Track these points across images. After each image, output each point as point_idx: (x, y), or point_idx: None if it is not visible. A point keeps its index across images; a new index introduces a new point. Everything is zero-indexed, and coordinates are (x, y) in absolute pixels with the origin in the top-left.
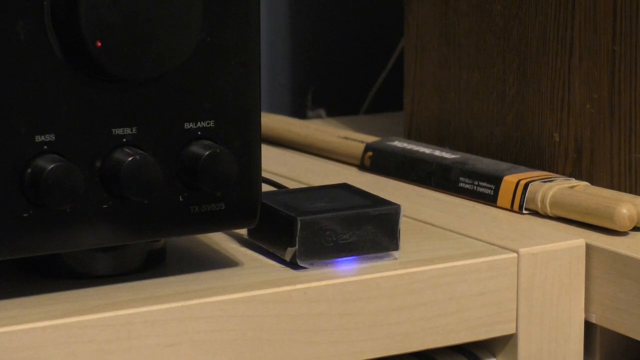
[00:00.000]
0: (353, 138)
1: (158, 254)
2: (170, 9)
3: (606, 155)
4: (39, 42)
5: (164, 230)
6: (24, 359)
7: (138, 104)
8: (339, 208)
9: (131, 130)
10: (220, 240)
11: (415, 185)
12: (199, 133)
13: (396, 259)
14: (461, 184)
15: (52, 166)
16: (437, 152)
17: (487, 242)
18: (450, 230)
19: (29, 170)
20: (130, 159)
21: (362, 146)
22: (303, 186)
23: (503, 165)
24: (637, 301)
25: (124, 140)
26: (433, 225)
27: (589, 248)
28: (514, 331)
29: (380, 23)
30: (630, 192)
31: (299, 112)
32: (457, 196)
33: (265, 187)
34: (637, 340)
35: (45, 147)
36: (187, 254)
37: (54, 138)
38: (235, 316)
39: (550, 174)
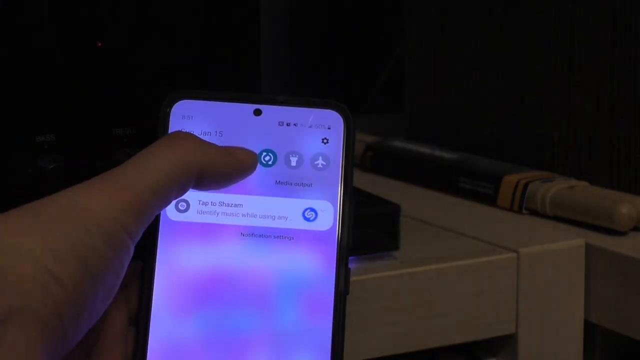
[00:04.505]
0: None
1: None
2: (171, 10)
3: (606, 156)
4: (39, 41)
5: None
6: None
7: (138, 104)
8: None
9: (131, 130)
10: None
11: (415, 185)
12: None
13: (396, 259)
14: (461, 184)
15: (52, 166)
16: (437, 152)
17: (487, 242)
18: (450, 230)
19: (29, 171)
20: None
21: (362, 146)
22: None
23: (503, 165)
24: (637, 301)
25: (124, 140)
26: (433, 225)
27: (589, 248)
28: (514, 331)
29: (381, 23)
30: (630, 192)
31: None
32: (457, 196)
33: None
34: (637, 340)
35: (45, 147)
36: None
37: (54, 138)
38: None
39: (550, 174)
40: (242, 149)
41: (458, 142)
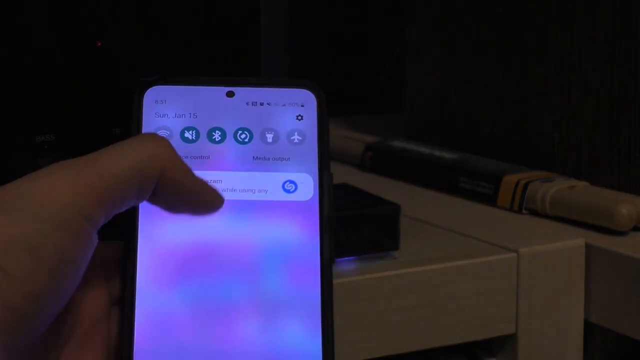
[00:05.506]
0: (353, 138)
1: None
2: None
3: (606, 156)
4: (39, 41)
5: None
6: None
7: None
8: (339, 208)
9: None
10: None
11: (415, 185)
12: None
13: (396, 259)
14: (461, 184)
15: None
16: (437, 152)
17: (487, 242)
18: (450, 230)
19: (29, 171)
20: None
21: (362, 146)
22: None
23: (503, 165)
24: (637, 301)
25: None
26: (433, 225)
27: (589, 248)
28: (514, 331)
29: (381, 23)
30: (630, 192)
31: None
32: (457, 196)
33: None
34: (637, 340)
35: (45, 147)
36: None
37: (54, 138)
38: None
39: (550, 173)
40: (213, 188)
41: (458, 142)
